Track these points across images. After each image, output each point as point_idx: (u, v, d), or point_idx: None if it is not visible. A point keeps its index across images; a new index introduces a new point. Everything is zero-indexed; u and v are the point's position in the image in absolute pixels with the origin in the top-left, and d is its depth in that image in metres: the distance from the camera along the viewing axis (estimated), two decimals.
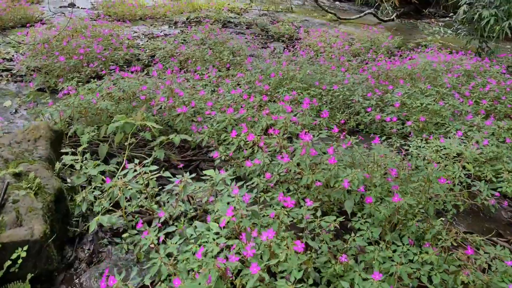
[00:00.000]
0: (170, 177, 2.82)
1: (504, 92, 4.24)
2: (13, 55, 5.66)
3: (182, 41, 6.30)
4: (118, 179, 2.44)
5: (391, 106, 3.99)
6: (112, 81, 3.96)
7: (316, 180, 2.55)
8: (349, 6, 12.76)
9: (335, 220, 2.26)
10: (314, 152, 2.60)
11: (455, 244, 2.47)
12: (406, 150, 3.38)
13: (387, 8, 10.61)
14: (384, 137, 3.59)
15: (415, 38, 8.70)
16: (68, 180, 2.93)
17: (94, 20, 7.32)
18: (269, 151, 2.94)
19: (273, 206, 2.46)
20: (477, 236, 2.63)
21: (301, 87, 4.38)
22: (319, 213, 2.36)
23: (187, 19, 8.84)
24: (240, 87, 4.19)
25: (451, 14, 10.72)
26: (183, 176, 2.48)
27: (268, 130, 3.04)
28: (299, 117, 3.19)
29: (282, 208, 2.22)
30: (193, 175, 2.56)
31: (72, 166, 2.91)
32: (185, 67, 5.30)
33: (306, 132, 2.79)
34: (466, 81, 4.49)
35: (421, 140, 3.43)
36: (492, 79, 4.38)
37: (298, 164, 2.70)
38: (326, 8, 10.45)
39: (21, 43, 5.73)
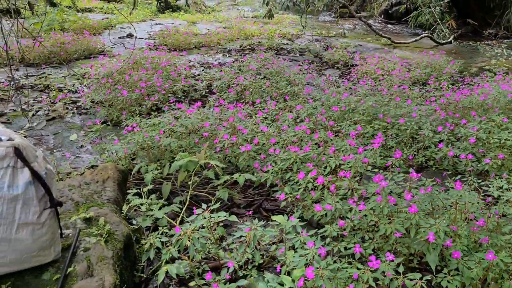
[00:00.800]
0: (236, 222, 2.73)
1: None
2: (77, 88, 5.87)
3: (238, 70, 6.32)
4: (187, 224, 2.37)
5: (465, 141, 3.73)
6: (174, 116, 3.98)
7: (395, 230, 2.36)
8: (402, 28, 12.47)
9: (421, 278, 2.07)
10: (392, 199, 2.43)
11: None
12: (485, 191, 3.11)
13: (444, 30, 10.25)
14: (458, 176, 3.35)
15: (476, 61, 8.30)
16: (134, 222, 2.91)
17: (152, 50, 7.53)
18: (340, 195, 2.79)
19: (349, 259, 2.30)
20: None
21: (365, 120, 4.21)
22: (401, 269, 2.17)
23: (240, 47, 8.91)
24: (302, 121, 4.08)
25: None
26: (248, 219, 2.37)
27: (337, 172, 2.90)
28: (369, 157, 3.03)
29: (366, 269, 2.05)
30: (257, 215, 2.45)
31: (137, 206, 2.89)
32: (243, 98, 5.28)
33: (379, 174, 2.63)
34: None
35: (501, 180, 3.15)
36: None
37: (373, 210, 2.53)
38: (380, 32, 10.23)
39: (85, 77, 5.93)
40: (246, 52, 8.32)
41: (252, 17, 13.26)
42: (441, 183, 3.26)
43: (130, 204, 2.75)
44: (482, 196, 2.94)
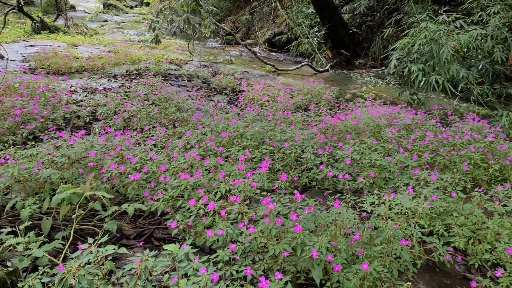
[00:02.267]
0: (127, 254, 2.64)
1: (441, 145, 4.52)
2: None
3: (125, 96, 6.16)
4: (72, 261, 2.23)
5: (342, 162, 4.10)
6: (54, 145, 3.73)
7: (283, 249, 2.49)
8: (285, 56, 13.29)
9: None
10: (280, 221, 2.56)
11: None
12: (361, 207, 3.44)
13: (321, 59, 11.17)
14: (338, 194, 3.65)
15: (349, 88, 9.16)
16: (9, 264, 2.64)
17: (28, 74, 6.98)
18: (230, 219, 2.86)
19: (241, 282, 2.36)
20: None
21: (253, 145, 4.39)
22: (289, 286, 2.29)
23: (126, 71, 8.70)
24: (192, 148, 4.12)
25: (382, 67, 11.52)
26: (139, 250, 2.32)
27: (228, 197, 2.97)
28: (258, 182, 3.16)
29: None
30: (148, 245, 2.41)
31: (13, 246, 2.65)
32: (131, 125, 5.15)
33: (267, 197, 2.76)
34: (407, 135, 4.75)
35: (373, 196, 3.51)
36: (429, 132, 4.66)
37: (262, 232, 2.64)
38: (264, 59, 10.79)
39: None
40: (133, 77, 8.15)
41: (138, 41, 13.04)
42: (323, 202, 3.53)
43: (4, 245, 2.50)
44: (358, 212, 3.25)
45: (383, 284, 2.49)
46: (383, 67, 11.25)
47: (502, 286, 2.65)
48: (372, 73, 11.08)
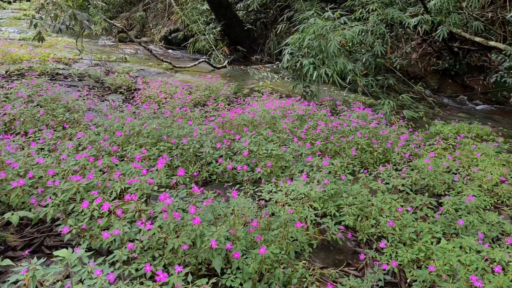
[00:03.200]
0: (12, 266, 2.44)
1: (332, 133, 4.83)
2: None
3: (5, 98, 5.63)
4: None
5: (240, 154, 4.18)
6: None
7: (182, 242, 2.48)
8: (182, 54, 13.16)
9: (207, 283, 2.23)
10: (177, 214, 2.55)
11: (318, 283, 2.66)
12: (259, 196, 3.55)
13: (219, 55, 11.26)
14: (237, 186, 3.73)
15: (247, 83, 9.36)
16: None
17: None
18: (128, 218, 2.77)
19: (141, 279, 2.30)
20: (332, 269, 2.87)
21: (150, 143, 4.29)
22: (189, 278, 2.29)
23: (6, 72, 7.95)
24: (84, 149, 3.90)
25: (277, 62, 11.93)
26: (27, 260, 2.16)
27: (124, 196, 2.88)
28: (154, 178, 3.10)
29: (155, 284, 2.10)
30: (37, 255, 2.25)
31: None
32: (12, 129, 4.72)
33: (165, 193, 2.73)
34: (300, 125, 4.99)
35: (271, 184, 3.65)
36: (321, 122, 4.95)
37: (160, 227, 2.61)
38: (161, 57, 10.57)
39: None
40: (14, 78, 7.47)
41: (19, 39, 11.97)
42: (223, 194, 3.58)
43: None
44: (257, 200, 3.35)
45: (280, 265, 2.60)
46: (278, 62, 11.67)
47: (385, 255, 2.92)
48: (268, 68, 11.44)
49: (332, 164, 4.04)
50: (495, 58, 8.52)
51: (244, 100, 6.45)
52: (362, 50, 9.17)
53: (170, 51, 13.37)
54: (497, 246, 3.05)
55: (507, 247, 3.03)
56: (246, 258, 2.52)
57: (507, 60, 8.00)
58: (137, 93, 7.13)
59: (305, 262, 2.64)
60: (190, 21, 12.15)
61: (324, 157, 4.14)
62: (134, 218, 2.82)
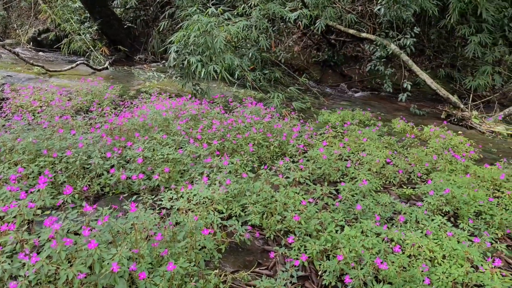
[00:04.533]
0: None
1: (227, 130, 4.75)
2: None
3: None
4: None
5: (134, 162, 3.89)
6: None
7: (78, 271, 2.19)
8: (56, 56, 12.06)
9: None
10: (69, 241, 2.24)
11: None
12: (160, 205, 3.34)
13: (98, 56, 10.53)
14: (135, 196, 3.46)
15: (133, 85, 8.89)
16: None
17: None
18: (7, 252, 2.38)
19: None
20: (243, 272, 2.80)
21: (27, 159, 3.79)
22: None
23: None
24: None
25: (163, 61, 11.53)
26: None
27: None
28: (36, 200, 2.72)
29: None
30: None
31: None
32: None
33: (51, 216, 2.39)
34: (195, 125, 4.83)
35: (171, 191, 3.45)
36: (215, 120, 4.85)
37: (49, 258, 2.28)
38: (31, 61, 9.55)
39: None
40: None
41: None
42: (120, 208, 3.29)
43: None
44: (157, 210, 3.13)
45: (192, 278, 2.45)
46: (164, 61, 11.31)
47: (294, 250, 2.93)
48: (154, 67, 11.01)
49: (232, 163, 3.97)
50: (367, 48, 9.21)
51: (131, 103, 6.08)
52: (248, 45, 9.27)
53: (41, 53, 12.17)
54: (392, 225, 3.25)
55: (400, 226, 3.24)
56: (154, 277, 2.31)
57: (378, 50, 8.70)
58: (5, 103, 6.31)
59: (216, 269, 2.52)
60: (62, 20, 11.18)
61: (223, 157, 4.05)
62: (16, 250, 2.44)
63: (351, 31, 9.53)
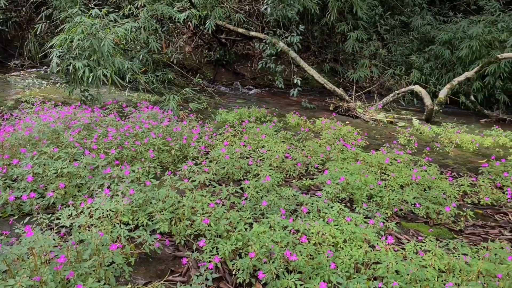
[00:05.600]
0: None
1: (125, 138, 4.57)
2: None
3: None
4: None
5: (23, 181, 3.56)
6: None
7: None
8: None
9: None
10: None
11: None
12: (58, 224, 3.11)
13: None
14: (28, 218, 3.17)
15: (10, 94, 8.09)
16: None
17: None
18: None
19: None
20: (157, 282, 2.74)
21: None
22: None
23: None
24: None
25: (44, 67, 10.63)
26: None
27: None
28: None
29: None
30: None
31: None
32: None
33: None
34: (89, 135, 4.56)
35: (69, 208, 3.23)
36: (111, 128, 4.63)
37: None
38: None
39: None
40: None
41: None
42: (12, 233, 3.00)
43: None
44: (56, 230, 2.91)
45: None
46: (45, 67, 10.48)
47: (206, 252, 2.93)
48: (34, 74, 10.14)
49: (133, 171, 3.84)
50: (258, 46, 9.49)
51: (12, 115, 5.54)
52: (138, 47, 8.99)
53: None
54: (297, 217, 3.42)
55: (304, 216, 3.43)
56: None
57: (268, 48, 9.02)
58: None
59: (127, 284, 2.43)
60: None
61: (123, 166, 3.89)
62: None
63: (240, 30, 9.74)
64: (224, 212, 3.27)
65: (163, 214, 3.26)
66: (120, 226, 2.96)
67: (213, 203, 3.33)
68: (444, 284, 2.53)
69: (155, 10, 8.12)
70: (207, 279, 2.68)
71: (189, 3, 9.10)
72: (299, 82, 8.84)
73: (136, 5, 8.37)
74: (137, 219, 3.29)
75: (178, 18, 8.50)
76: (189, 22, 8.97)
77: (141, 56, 8.54)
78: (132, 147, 4.41)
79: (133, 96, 8.10)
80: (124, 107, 5.73)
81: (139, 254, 3.04)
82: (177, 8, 9.02)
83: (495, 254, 2.90)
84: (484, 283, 2.62)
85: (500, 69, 9.65)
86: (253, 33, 9.56)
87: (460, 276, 2.71)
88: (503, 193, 4.54)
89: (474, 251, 3.04)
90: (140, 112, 5.43)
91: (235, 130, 5.78)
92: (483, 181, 4.66)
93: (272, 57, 9.22)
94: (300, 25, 9.24)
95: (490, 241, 3.27)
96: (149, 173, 4.00)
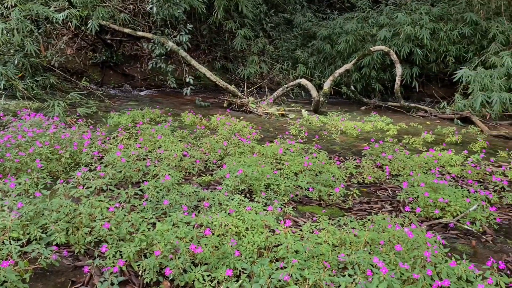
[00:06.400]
0: None
1: (6, 149, 4.21)
2: None
3: None
4: None
5: None
6: None
7: None
8: None
9: None
10: None
11: None
12: None
13: None
14: None
15: None
16: None
17: None
18: None
19: None
20: None
21: None
22: None
23: None
24: None
25: None
26: None
27: None
28: None
29: None
30: None
31: None
32: None
33: None
34: None
35: None
36: None
37: None
38: None
39: None
40: None
41: None
42: None
43: None
44: None
45: None
46: None
47: (109, 257, 2.85)
48: None
49: (20, 184, 3.57)
50: (146, 46, 9.30)
51: None
52: (11, 51, 8.25)
53: None
54: (200, 212, 3.48)
55: (207, 211, 3.50)
56: None
57: (157, 47, 8.89)
58: None
59: None
60: None
61: (7, 179, 3.60)
62: None
63: (126, 30, 9.45)
64: (125, 215, 3.20)
65: (58, 225, 3.09)
66: (10, 242, 2.75)
67: (113, 207, 3.25)
68: (337, 256, 2.79)
69: (29, 10, 7.52)
70: (112, 284, 2.62)
71: (67, 3, 8.57)
72: (191, 81, 8.86)
73: (5, 5, 7.66)
74: (28, 233, 3.07)
75: (56, 19, 7.97)
76: (69, 23, 8.44)
77: (16, 60, 7.84)
78: (16, 159, 4.08)
79: (10, 104, 7.44)
80: (2, 117, 5.25)
81: (35, 269, 2.86)
82: (54, 7, 8.45)
83: (379, 225, 3.26)
84: (370, 250, 2.94)
85: (374, 61, 10.68)
86: (140, 33, 9.34)
87: (350, 248, 3.01)
88: (383, 171, 5.07)
89: (361, 224, 3.38)
90: (22, 121, 5.03)
91: (129, 132, 5.63)
92: (366, 162, 5.16)
93: (162, 57, 9.10)
94: (188, 24, 9.25)
95: (374, 214, 3.65)
96: (38, 184, 3.75)
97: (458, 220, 3.83)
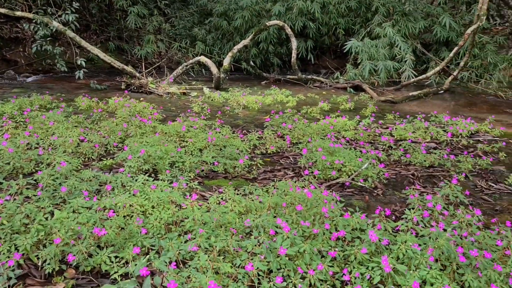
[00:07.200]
0: None
1: None
2: None
3: None
4: None
5: None
6: None
7: None
8: None
9: None
10: None
11: None
12: None
13: None
14: None
15: None
16: None
17: None
18: None
19: None
20: None
21: None
22: None
23: None
24: None
25: None
26: None
27: None
28: None
29: None
30: None
31: None
32: None
33: None
34: None
35: None
36: None
37: None
38: None
39: None
40: None
41: None
42: None
43: None
44: None
45: None
46: None
47: (3, 253, 2.65)
48: None
49: None
50: (28, 28, 8.52)
51: None
52: None
53: None
54: (102, 196, 3.36)
55: (109, 194, 3.38)
56: None
57: (40, 28, 8.19)
58: None
59: None
60: None
61: None
62: None
63: (2, 10, 8.55)
64: (17, 207, 2.97)
65: None
66: None
67: (2, 199, 3.00)
68: (244, 222, 2.88)
69: None
70: (9, 278, 2.45)
71: None
72: (83, 64, 8.34)
73: None
74: None
75: None
76: None
77: None
78: None
79: None
80: None
81: None
82: None
83: (282, 190, 3.41)
84: (274, 214, 3.08)
85: (270, 35, 10.93)
86: (19, 13, 8.50)
87: (256, 213, 3.12)
88: (284, 140, 5.28)
89: (265, 191, 3.51)
90: None
91: (16, 121, 5.18)
92: (268, 133, 5.32)
93: (48, 39, 8.41)
94: (74, 2, 8.63)
95: (278, 181, 3.81)
96: None
97: (353, 179, 4.15)
